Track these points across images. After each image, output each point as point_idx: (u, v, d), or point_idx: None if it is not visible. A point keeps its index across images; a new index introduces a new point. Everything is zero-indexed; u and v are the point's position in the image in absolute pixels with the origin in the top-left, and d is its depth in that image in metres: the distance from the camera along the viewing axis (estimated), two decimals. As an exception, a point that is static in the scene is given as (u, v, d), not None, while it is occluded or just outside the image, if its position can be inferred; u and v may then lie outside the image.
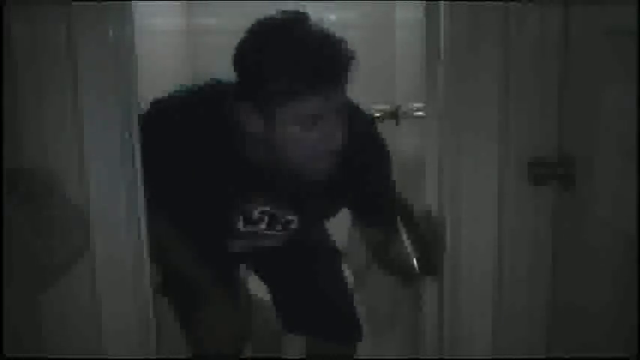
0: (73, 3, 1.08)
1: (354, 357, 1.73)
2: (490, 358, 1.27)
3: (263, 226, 1.45)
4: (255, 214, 1.42)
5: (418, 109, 1.80)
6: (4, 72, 1.07)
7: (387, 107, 2.08)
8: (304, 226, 1.48)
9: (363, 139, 1.31)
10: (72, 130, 1.13)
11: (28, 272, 1.12)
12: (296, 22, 1.18)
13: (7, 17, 1.07)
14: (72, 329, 1.20)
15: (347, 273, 1.83)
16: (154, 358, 1.28)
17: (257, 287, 1.84)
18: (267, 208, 1.42)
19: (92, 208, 1.15)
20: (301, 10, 1.21)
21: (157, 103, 1.35)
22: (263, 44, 1.18)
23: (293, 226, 1.47)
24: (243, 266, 1.81)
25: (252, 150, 1.29)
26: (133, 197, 1.18)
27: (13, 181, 1.08)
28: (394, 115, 2.07)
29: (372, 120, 1.47)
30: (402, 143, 1.95)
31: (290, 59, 1.14)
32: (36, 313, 1.18)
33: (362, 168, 1.37)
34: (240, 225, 1.44)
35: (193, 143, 1.30)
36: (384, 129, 1.49)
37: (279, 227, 1.46)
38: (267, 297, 1.76)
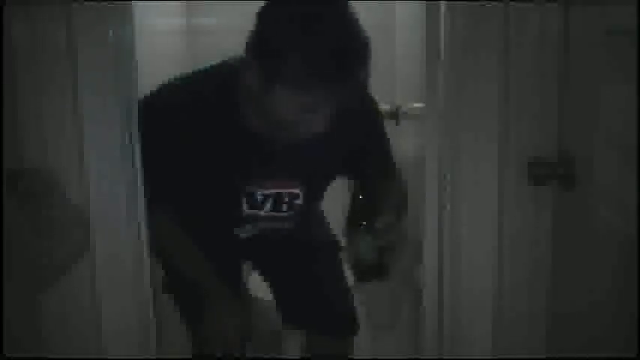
0: (73, 3, 1.09)
1: (353, 356, 1.73)
2: (490, 358, 1.27)
3: (268, 207, 1.45)
4: (259, 196, 1.42)
5: (418, 110, 1.80)
6: (4, 72, 1.08)
7: (387, 107, 2.07)
8: (308, 201, 1.49)
9: (357, 100, 1.31)
10: (72, 130, 1.13)
11: (28, 272, 1.12)
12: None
13: (7, 17, 1.07)
14: (72, 329, 1.20)
15: (347, 273, 1.83)
16: (154, 358, 1.28)
17: (257, 287, 1.84)
18: (272, 191, 1.42)
19: (92, 208, 1.15)
20: None
21: (151, 95, 1.34)
22: (287, 20, 1.14)
23: (298, 201, 1.47)
24: (243, 267, 1.81)
25: (255, 126, 1.29)
26: (133, 197, 1.18)
27: (13, 181, 1.08)
28: (394, 115, 2.07)
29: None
30: (402, 143, 1.95)
31: (314, 41, 1.12)
32: (36, 313, 1.18)
33: (357, 126, 1.38)
34: (245, 207, 1.44)
35: (193, 128, 1.30)
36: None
37: (284, 207, 1.46)
38: (267, 297, 1.76)
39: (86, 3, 1.09)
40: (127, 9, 1.15)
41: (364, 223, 1.36)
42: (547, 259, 1.23)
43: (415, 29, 1.78)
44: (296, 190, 1.45)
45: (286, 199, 1.45)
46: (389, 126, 2.02)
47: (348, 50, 1.15)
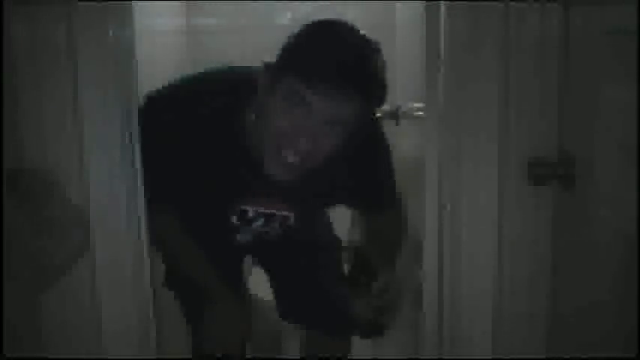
0: (73, 3, 1.09)
1: (353, 356, 1.73)
2: (490, 358, 1.27)
3: (259, 224, 1.45)
4: (250, 213, 1.42)
5: (418, 110, 1.80)
6: (4, 72, 1.08)
7: (387, 107, 2.07)
8: (302, 221, 1.49)
9: (364, 136, 1.31)
10: (72, 130, 1.13)
11: (28, 272, 1.12)
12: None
13: (7, 17, 1.07)
14: (72, 329, 1.20)
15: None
16: (154, 358, 1.28)
17: (257, 287, 1.84)
18: (262, 209, 1.42)
19: (92, 208, 1.15)
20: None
21: (153, 96, 1.34)
22: (310, 45, 1.23)
23: (290, 222, 1.47)
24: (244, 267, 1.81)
25: (250, 145, 1.28)
26: (132, 197, 1.18)
27: (13, 181, 1.08)
28: (394, 115, 2.07)
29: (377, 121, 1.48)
30: (402, 143, 1.95)
31: (327, 63, 1.17)
32: (36, 313, 1.18)
33: (361, 163, 1.37)
34: (234, 220, 1.44)
35: (190, 136, 1.29)
36: (384, 129, 1.50)
37: (275, 225, 1.46)
38: (268, 297, 1.76)
39: (86, 3, 1.09)
40: (127, 9, 1.15)
41: (364, 278, 1.36)
42: (547, 259, 1.23)
43: (415, 29, 1.78)
44: (288, 213, 1.45)
45: (278, 218, 1.45)
46: (389, 126, 2.03)
47: (357, 71, 1.18)
